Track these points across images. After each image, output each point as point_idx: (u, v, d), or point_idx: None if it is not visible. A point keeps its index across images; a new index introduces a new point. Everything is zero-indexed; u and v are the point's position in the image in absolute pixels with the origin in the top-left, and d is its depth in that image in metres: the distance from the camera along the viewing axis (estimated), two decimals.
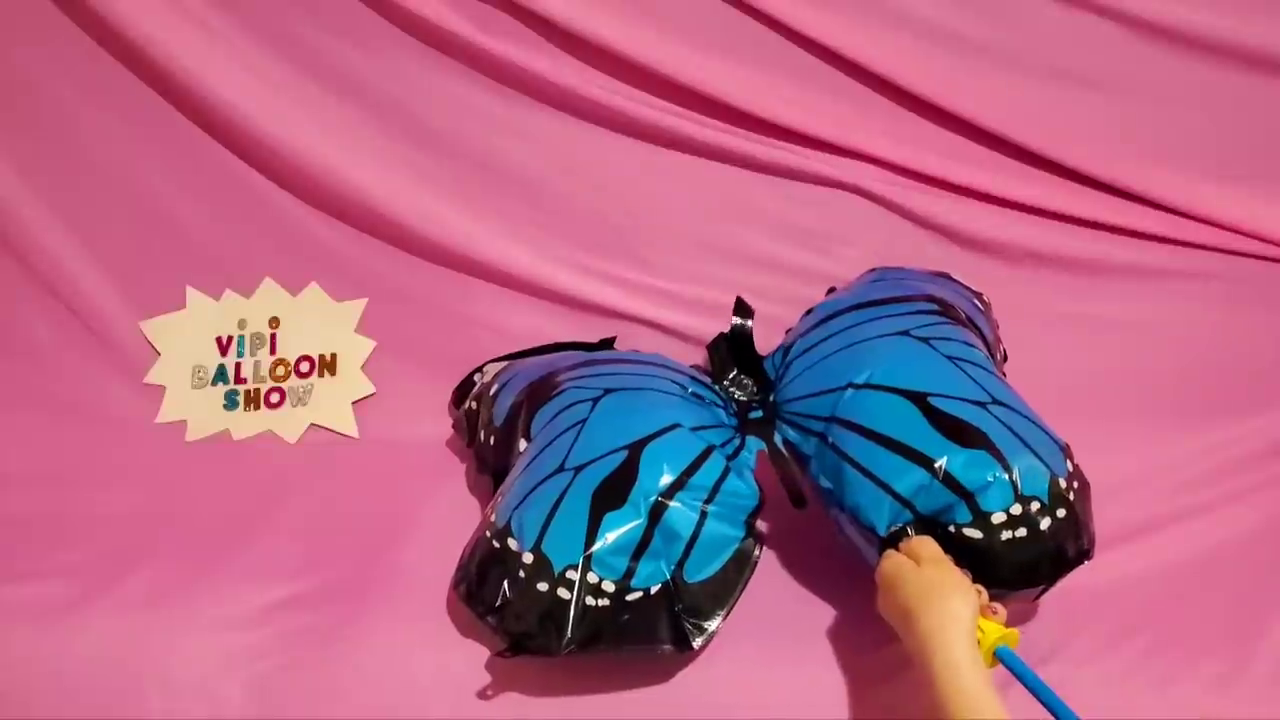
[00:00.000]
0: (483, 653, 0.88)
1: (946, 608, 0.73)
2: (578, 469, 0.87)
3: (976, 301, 1.10)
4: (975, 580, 0.78)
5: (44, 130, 1.25)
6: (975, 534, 0.81)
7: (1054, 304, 1.25)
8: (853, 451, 0.88)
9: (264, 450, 1.19)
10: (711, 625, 0.83)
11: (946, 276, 1.15)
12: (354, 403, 1.23)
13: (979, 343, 0.99)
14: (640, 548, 0.82)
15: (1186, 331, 1.24)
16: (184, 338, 1.26)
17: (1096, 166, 1.25)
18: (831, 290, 1.19)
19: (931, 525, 0.83)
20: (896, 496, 0.84)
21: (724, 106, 1.22)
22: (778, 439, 0.96)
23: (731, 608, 0.85)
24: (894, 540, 0.84)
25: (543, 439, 0.94)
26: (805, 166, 1.23)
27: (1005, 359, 1.11)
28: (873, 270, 1.18)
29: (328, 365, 1.24)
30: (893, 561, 0.80)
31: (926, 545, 0.80)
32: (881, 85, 1.23)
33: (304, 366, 1.25)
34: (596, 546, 0.82)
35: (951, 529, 0.82)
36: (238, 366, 1.25)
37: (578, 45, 1.20)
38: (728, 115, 1.23)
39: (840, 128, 1.24)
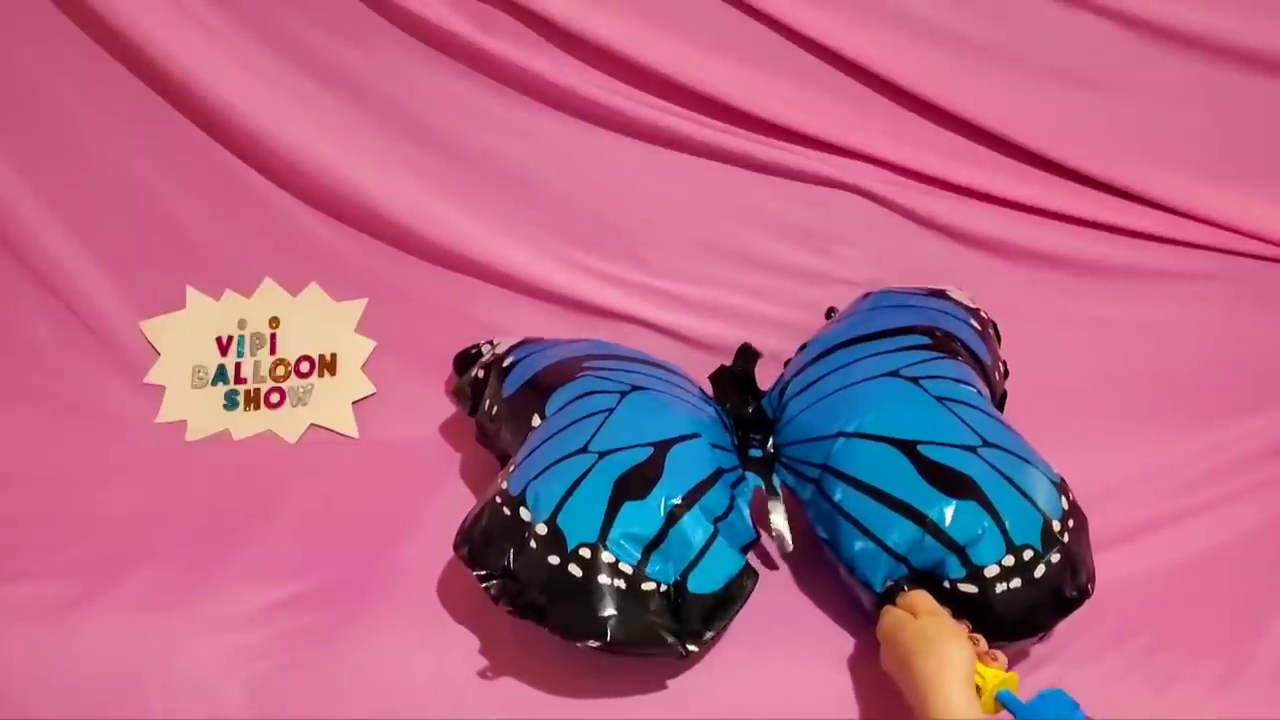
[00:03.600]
0: (482, 652, 0.88)
1: (941, 656, 0.74)
2: (602, 454, 0.87)
3: (973, 321, 1.09)
4: (975, 630, 0.78)
5: (44, 130, 1.25)
6: (970, 589, 0.81)
7: (1054, 304, 1.25)
8: (845, 504, 0.88)
9: (264, 450, 1.19)
10: (704, 640, 0.83)
11: (943, 295, 1.14)
12: (354, 403, 1.23)
13: (973, 374, 0.99)
14: (653, 544, 0.83)
15: (1186, 331, 1.24)
16: (184, 338, 1.25)
17: (1096, 166, 1.25)
18: (830, 312, 1.18)
19: (926, 580, 0.83)
20: (889, 551, 0.84)
21: (724, 106, 1.22)
22: (776, 481, 0.96)
23: (725, 627, 0.84)
24: (890, 595, 0.84)
25: (562, 419, 0.94)
26: (805, 166, 1.23)
27: (1006, 375, 1.10)
28: (867, 295, 1.17)
29: (328, 365, 1.24)
30: (890, 616, 0.80)
31: (922, 598, 0.81)
32: (881, 85, 1.23)
33: (304, 366, 1.25)
34: (613, 531, 0.82)
35: (946, 584, 0.82)
36: (238, 366, 1.25)
37: (578, 45, 1.20)
38: (728, 115, 1.23)
39: (840, 128, 1.24)
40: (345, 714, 0.86)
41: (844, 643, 0.89)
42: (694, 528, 0.84)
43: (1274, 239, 1.27)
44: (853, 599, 0.90)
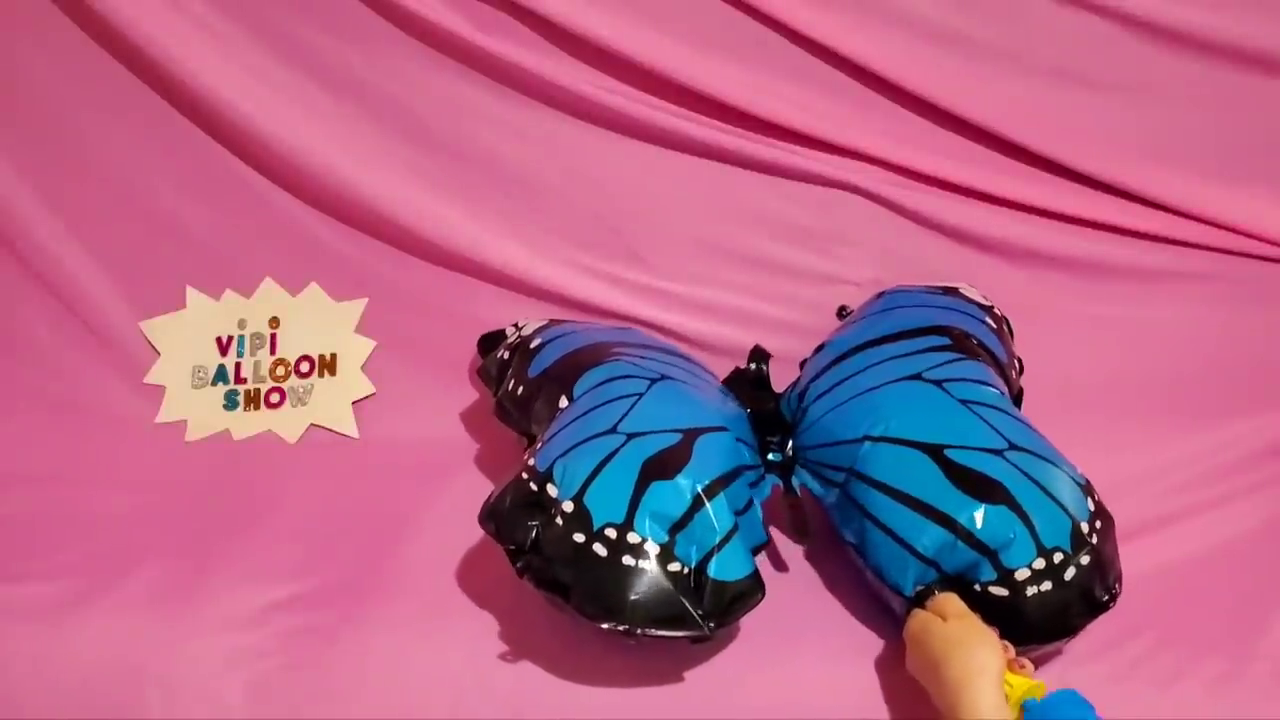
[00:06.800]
0: (483, 652, 0.88)
1: (973, 659, 0.73)
2: (630, 435, 0.88)
3: (989, 319, 1.09)
4: (1004, 637, 0.78)
5: (44, 130, 1.25)
6: (1001, 592, 0.81)
7: (1054, 304, 1.25)
8: (874, 508, 0.88)
9: (264, 450, 1.19)
10: (722, 625, 0.83)
11: (956, 293, 1.14)
12: (354, 403, 1.23)
13: (993, 375, 0.98)
14: (679, 524, 0.83)
15: (1186, 332, 1.24)
16: (184, 338, 1.25)
17: (1096, 166, 1.25)
18: (843, 310, 1.18)
19: (957, 583, 0.83)
20: (920, 556, 0.84)
21: (724, 106, 1.22)
22: (795, 484, 0.96)
23: (734, 621, 0.85)
24: (920, 599, 0.84)
25: (589, 400, 0.94)
26: (805, 166, 1.23)
27: (1021, 371, 1.10)
28: (881, 295, 1.17)
29: (328, 365, 1.24)
30: (919, 619, 0.80)
31: (951, 601, 0.81)
32: (881, 85, 1.23)
33: (304, 366, 1.25)
34: (640, 510, 0.82)
35: (977, 587, 0.82)
36: (238, 366, 1.25)
37: (578, 45, 1.20)
38: (728, 115, 1.23)
39: (840, 128, 1.24)
40: (345, 714, 0.86)
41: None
42: (719, 514, 0.85)
43: (1274, 239, 1.26)
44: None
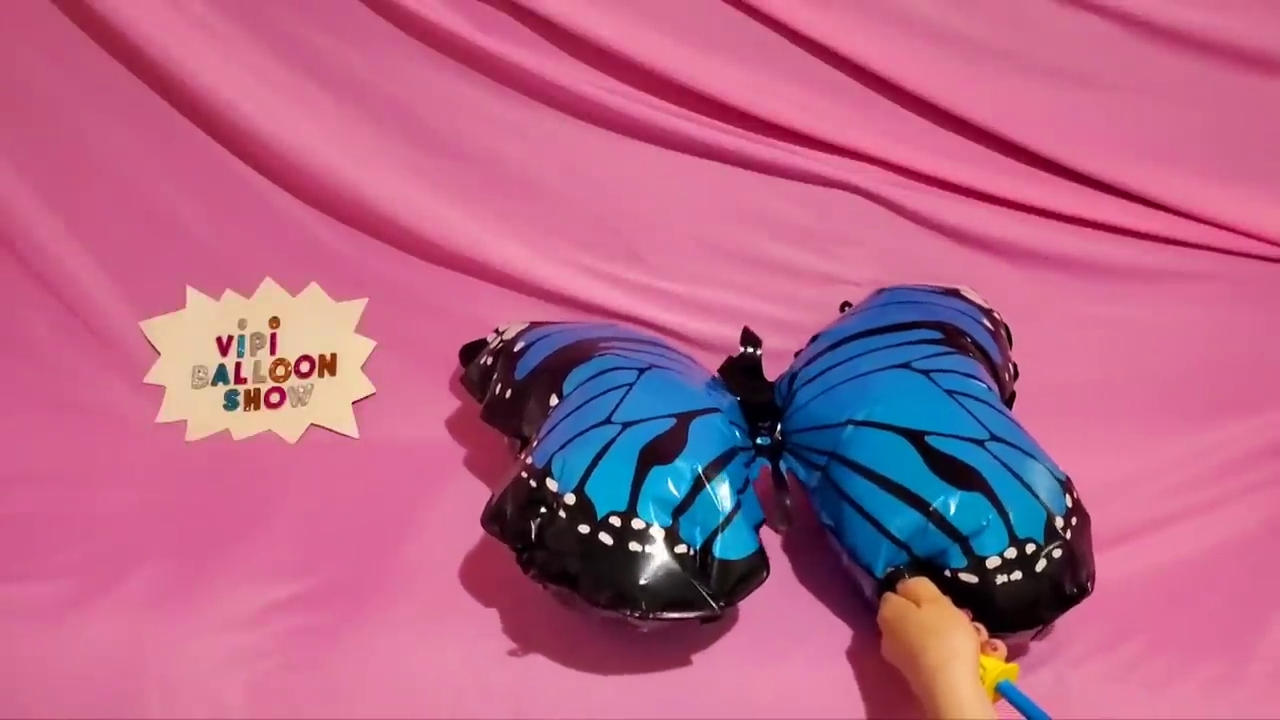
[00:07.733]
0: (483, 653, 0.88)
1: (948, 644, 0.74)
2: (625, 425, 0.88)
3: (986, 321, 1.09)
4: (975, 620, 0.79)
5: (44, 130, 1.25)
6: (971, 578, 0.82)
7: (1053, 304, 1.25)
8: (851, 490, 0.89)
9: (264, 450, 1.19)
10: (731, 604, 0.83)
11: (956, 293, 1.14)
12: (354, 403, 1.23)
13: (983, 371, 0.99)
14: (681, 508, 0.83)
15: (1186, 331, 1.24)
16: (184, 338, 1.26)
17: (1096, 166, 1.25)
18: (845, 306, 1.18)
19: (928, 568, 0.84)
20: (892, 538, 0.85)
21: (724, 106, 1.22)
22: (783, 467, 0.97)
23: (746, 593, 0.85)
24: (891, 582, 0.84)
25: (581, 395, 0.95)
26: (805, 166, 1.23)
27: (1016, 376, 1.10)
28: (881, 292, 1.17)
29: (328, 365, 1.25)
30: (892, 605, 0.81)
31: (924, 586, 0.81)
32: (881, 85, 1.23)
33: (304, 366, 1.25)
34: (642, 496, 0.82)
35: (947, 573, 0.83)
36: (238, 366, 1.25)
37: (578, 45, 1.20)
38: (728, 115, 1.23)
39: (840, 128, 1.24)
40: (345, 714, 0.86)
41: (843, 636, 0.89)
42: (721, 495, 0.85)
43: (1274, 239, 1.27)
44: (853, 588, 0.91)
